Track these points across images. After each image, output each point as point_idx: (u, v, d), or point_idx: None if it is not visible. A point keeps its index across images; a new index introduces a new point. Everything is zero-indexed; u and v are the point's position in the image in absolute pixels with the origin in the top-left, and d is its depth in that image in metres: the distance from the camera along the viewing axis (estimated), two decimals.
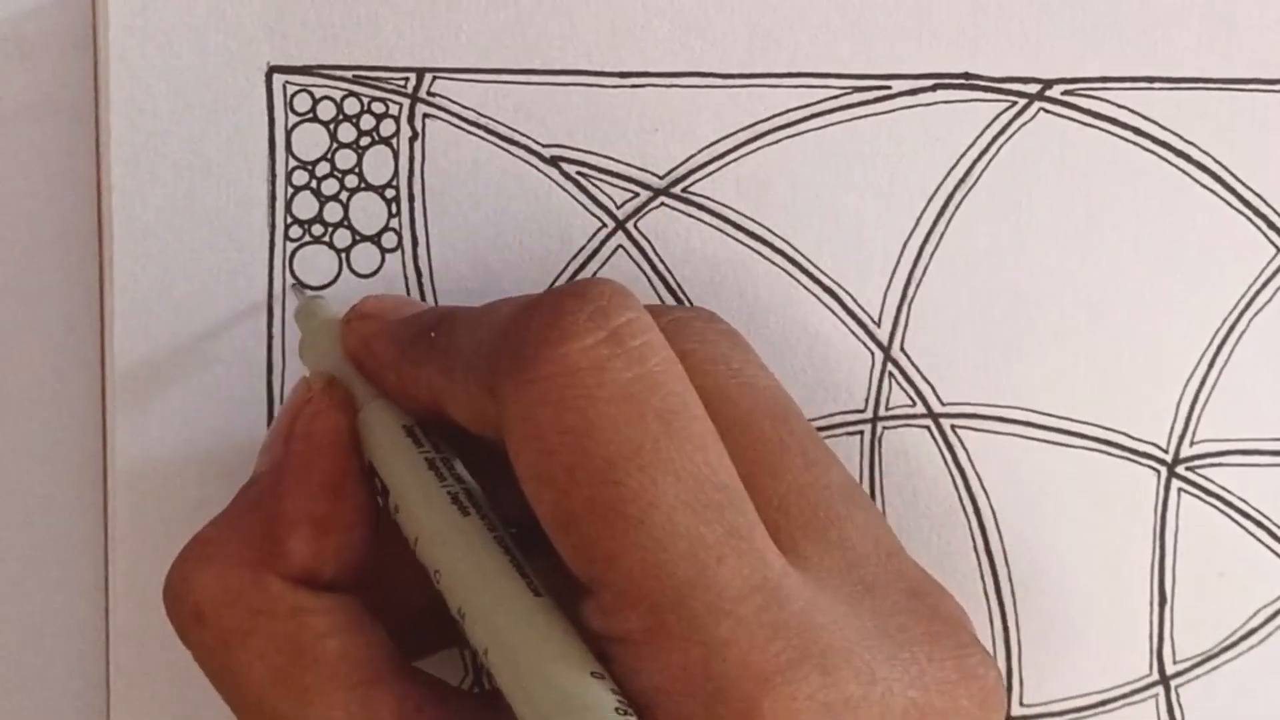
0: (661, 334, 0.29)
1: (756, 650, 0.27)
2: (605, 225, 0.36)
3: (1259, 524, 0.37)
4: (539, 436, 0.27)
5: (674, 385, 0.28)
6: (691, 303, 0.36)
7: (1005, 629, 0.37)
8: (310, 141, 0.35)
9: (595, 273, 0.36)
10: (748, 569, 0.27)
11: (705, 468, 0.28)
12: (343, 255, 0.36)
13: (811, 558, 0.29)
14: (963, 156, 0.36)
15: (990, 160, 0.36)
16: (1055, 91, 0.36)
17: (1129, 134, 0.36)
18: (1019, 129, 0.36)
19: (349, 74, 0.35)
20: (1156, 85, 0.36)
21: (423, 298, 0.36)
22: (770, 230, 0.36)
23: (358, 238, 0.36)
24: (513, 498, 0.29)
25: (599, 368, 0.27)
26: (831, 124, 0.36)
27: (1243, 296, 0.37)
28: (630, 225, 0.36)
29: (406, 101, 0.35)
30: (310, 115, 0.35)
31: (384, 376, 0.31)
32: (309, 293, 0.35)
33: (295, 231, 0.35)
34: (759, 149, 0.36)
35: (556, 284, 0.36)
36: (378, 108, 0.35)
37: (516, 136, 0.35)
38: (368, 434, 0.31)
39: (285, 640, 0.29)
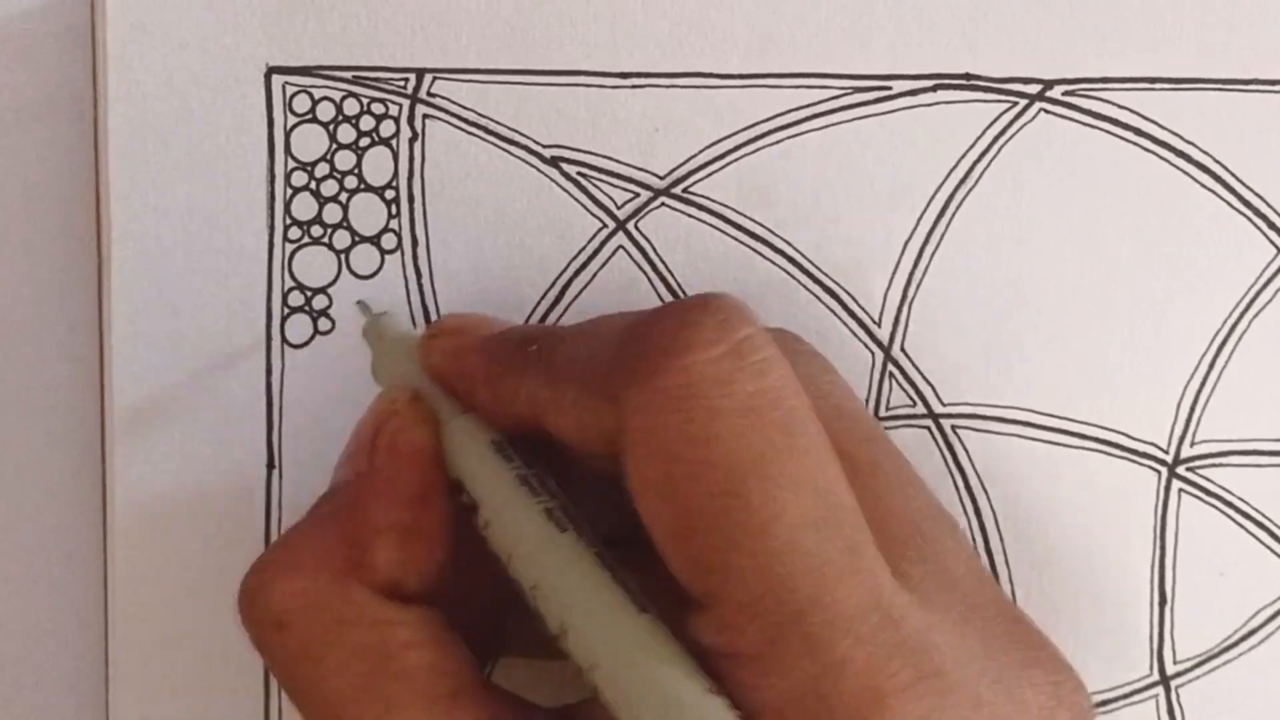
0: (778, 350, 0.28)
1: (875, 670, 0.27)
2: (605, 225, 0.36)
3: (1259, 524, 0.37)
4: (661, 446, 0.27)
5: (794, 400, 0.28)
6: None
7: None
8: (309, 142, 0.35)
9: (596, 273, 0.36)
10: (865, 588, 0.27)
11: (825, 483, 0.28)
12: (342, 256, 0.36)
13: (914, 578, 0.29)
14: (963, 157, 0.36)
15: (991, 161, 0.36)
16: (1056, 92, 0.36)
17: (1129, 134, 0.36)
18: (1019, 129, 0.36)
19: (348, 75, 0.35)
20: (1156, 85, 0.36)
21: (423, 299, 0.36)
22: (770, 230, 0.36)
23: (357, 239, 0.36)
24: (600, 511, 0.29)
25: (725, 380, 0.27)
26: (832, 124, 0.36)
27: (1243, 297, 0.37)
28: (630, 225, 0.36)
29: (406, 102, 0.35)
30: (309, 116, 0.35)
31: (475, 391, 0.31)
32: (378, 310, 0.35)
33: (294, 233, 0.35)
34: (759, 149, 0.36)
35: (557, 282, 0.36)
36: (377, 108, 0.35)
37: (516, 137, 0.35)
38: (455, 449, 0.31)
39: (369, 651, 0.29)
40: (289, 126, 0.35)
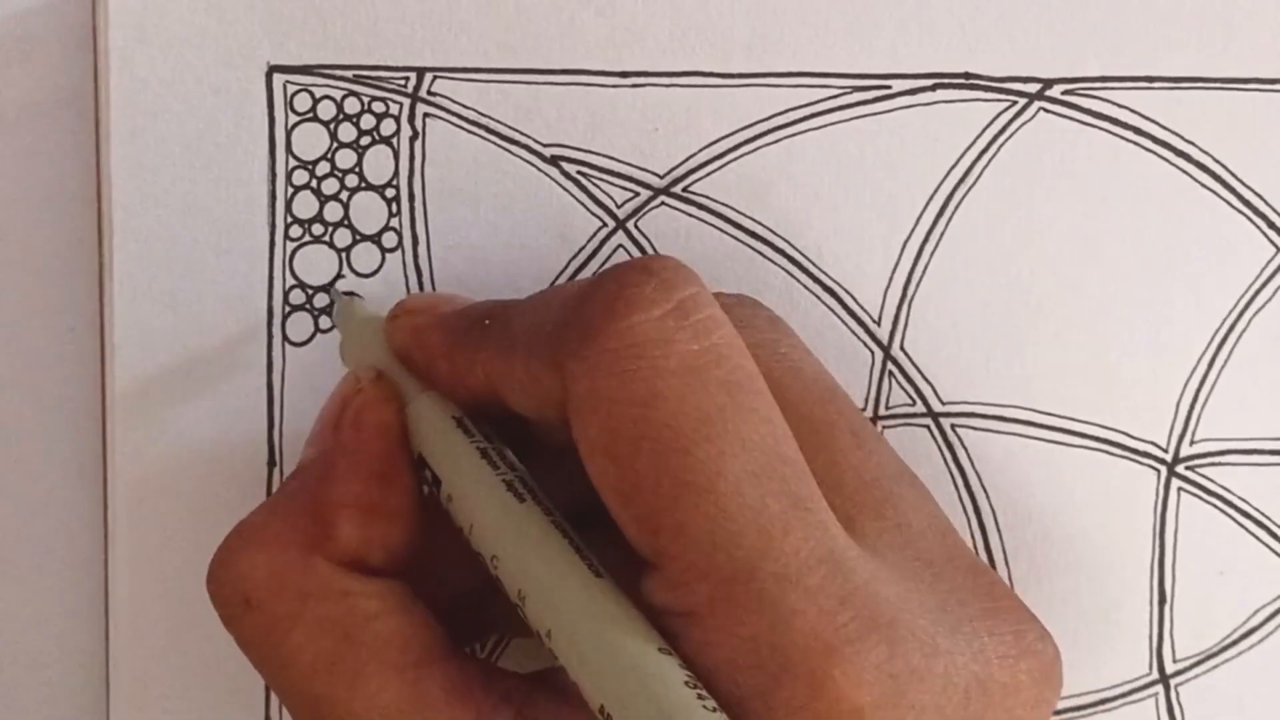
0: (722, 310, 0.29)
1: (825, 621, 0.27)
2: (605, 225, 0.36)
3: (1259, 523, 0.37)
4: (605, 408, 0.27)
5: (738, 358, 0.28)
6: None
7: None
8: (310, 141, 0.35)
9: (595, 272, 0.36)
10: (814, 540, 0.27)
11: (770, 439, 0.28)
12: (343, 255, 0.36)
13: (869, 534, 0.29)
14: (963, 156, 0.36)
15: (990, 160, 0.36)
16: (1055, 91, 0.36)
17: (1129, 134, 0.36)
18: (1019, 129, 0.36)
19: (349, 73, 0.35)
20: (1156, 85, 0.36)
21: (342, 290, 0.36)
22: (770, 230, 0.36)
23: (358, 237, 0.36)
24: (561, 485, 0.30)
25: (665, 339, 0.28)
26: (831, 124, 0.36)
27: (1243, 296, 0.37)
28: (630, 225, 0.36)
29: (407, 101, 0.35)
30: (310, 115, 0.35)
31: (436, 366, 0.31)
32: (347, 293, 0.35)
33: (295, 231, 0.35)
34: (759, 149, 0.36)
35: (558, 281, 0.36)
36: (378, 107, 0.35)
37: (517, 136, 0.35)
38: (418, 425, 0.31)
39: (334, 623, 0.29)
40: (290, 125, 0.35)
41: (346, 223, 0.35)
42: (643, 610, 0.28)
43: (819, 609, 0.27)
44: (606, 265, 0.36)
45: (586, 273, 0.36)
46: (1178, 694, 0.37)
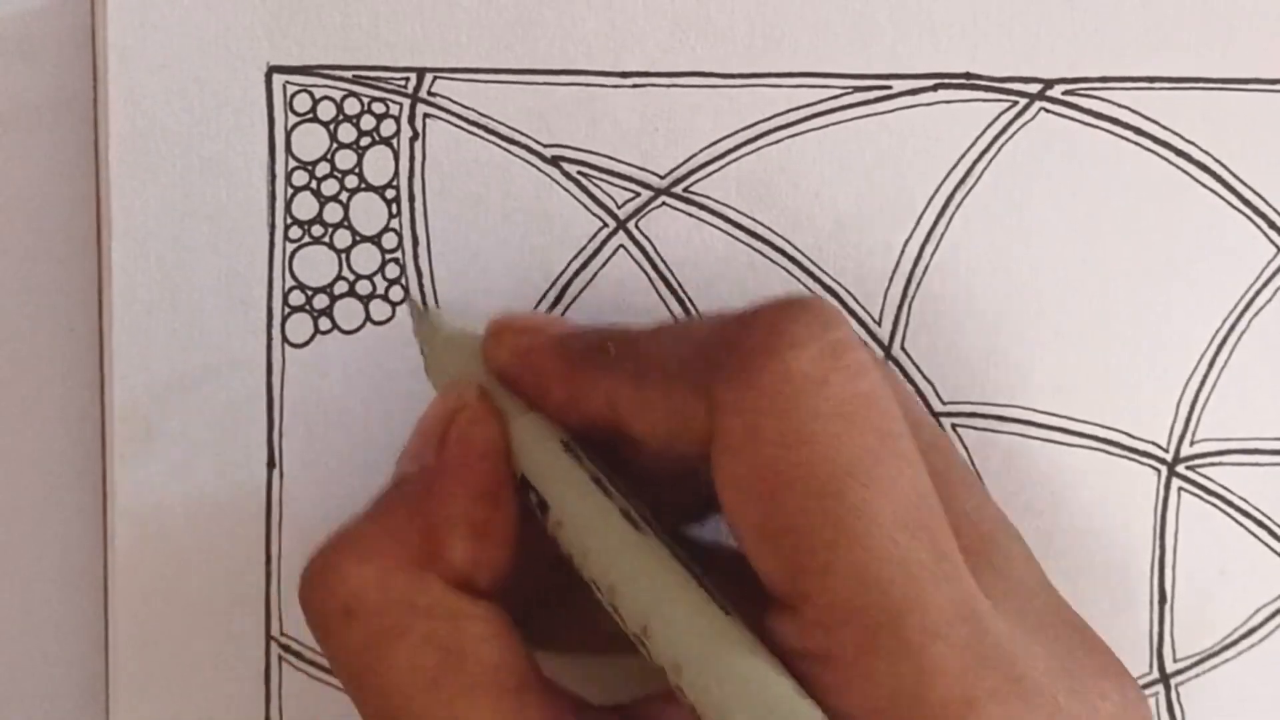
0: (869, 352, 0.28)
1: (966, 675, 0.26)
2: (606, 225, 0.36)
3: (1259, 523, 0.37)
4: (757, 444, 0.27)
5: (887, 404, 0.28)
6: (693, 303, 0.36)
7: None
8: (310, 142, 0.35)
9: (596, 273, 0.36)
10: (959, 594, 0.27)
11: (920, 488, 0.28)
12: (343, 256, 0.36)
13: (987, 587, 0.29)
14: (963, 156, 0.36)
15: (991, 160, 0.36)
16: (1056, 91, 0.36)
17: (1129, 134, 0.36)
18: (1020, 129, 0.36)
19: (349, 74, 0.35)
20: (1156, 85, 0.36)
21: (423, 298, 0.36)
22: (770, 230, 0.36)
23: (358, 238, 0.36)
24: (664, 517, 0.29)
25: (822, 380, 0.27)
26: (832, 124, 0.36)
27: (1243, 296, 0.37)
28: (631, 225, 0.36)
29: (407, 102, 0.35)
30: (310, 115, 0.35)
31: (548, 389, 0.31)
32: (424, 307, 0.35)
33: (295, 232, 0.35)
34: (759, 149, 0.36)
35: (557, 282, 0.36)
36: (378, 108, 0.35)
37: (517, 136, 0.35)
38: (524, 447, 0.31)
39: (441, 642, 0.29)
40: (290, 126, 0.35)
41: (346, 224, 0.35)
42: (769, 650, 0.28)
43: (962, 665, 0.26)
44: (601, 270, 0.36)
45: (587, 273, 0.36)
46: (1178, 693, 0.37)
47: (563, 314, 0.36)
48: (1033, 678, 0.27)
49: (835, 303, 0.36)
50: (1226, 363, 0.37)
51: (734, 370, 0.28)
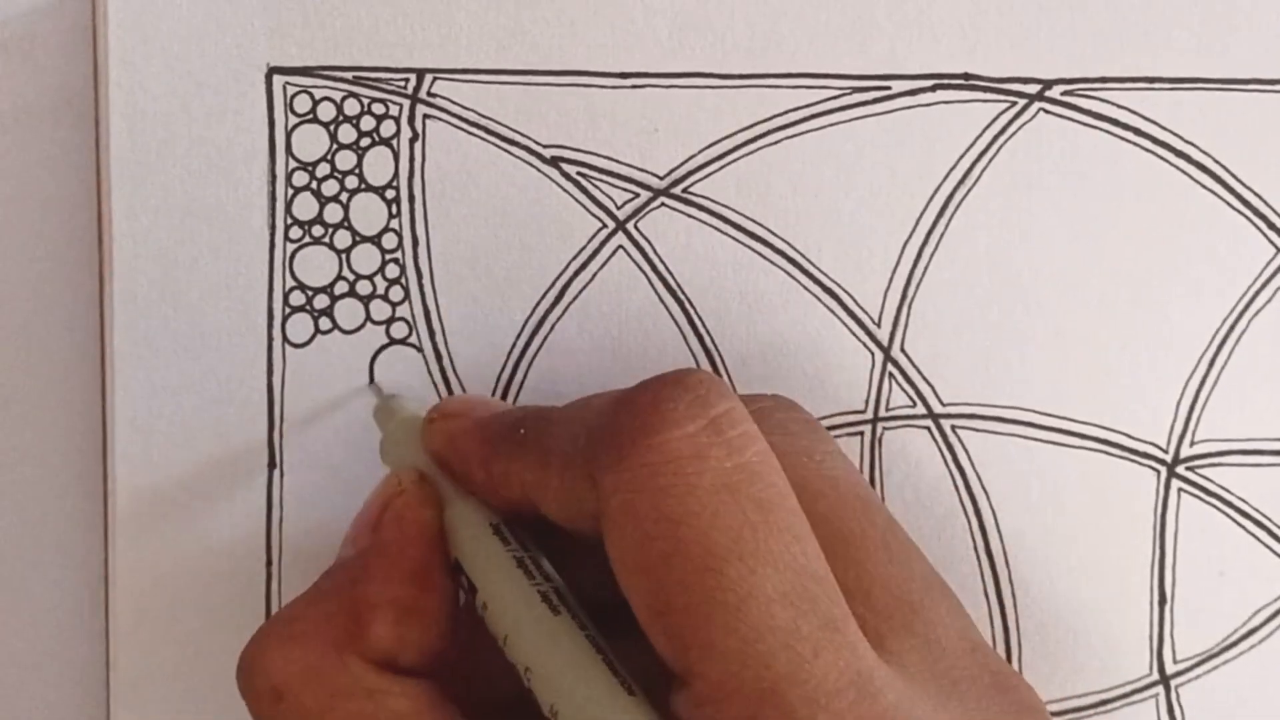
0: (756, 425, 0.28)
1: None
2: (605, 225, 0.36)
3: (1259, 524, 0.37)
4: (637, 524, 0.27)
5: (771, 476, 0.28)
6: (693, 303, 0.36)
7: (1005, 629, 0.37)
8: (310, 142, 0.35)
9: (596, 273, 0.36)
10: (843, 662, 0.27)
11: (802, 558, 0.28)
12: (343, 256, 0.36)
13: (897, 652, 0.29)
14: (963, 157, 0.36)
15: (990, 160, 0.36)
16: (1055, 92, 0.36)
17: (1129, 134, 0.36)
18: (1019, 129, 0.36)
19: (349, 75, 0.35)
20: (1156, 85, 0.36)
21: (423, 299, 0.36)
22: (770, 230, 0.36)
23: (358, 239, 0.36)
24: (597, 585, 0.29)
25: (699, 456, 0.27)
26: (831, 124, 0.36)
27: (1243, 296, 0.37)
28: (630, 225, 0.36)
29: (406, 102, 0.35)
30: (310, 116, 0.35)
31: (471, 472, 0.31)
32: (388, 392, 0.35)
33: (295, 232, 0.35)
34: (759, 149, 0.36)
35: (557, 282, 0.36)
36: (378, 109, 0.35)
37: (516, 137, 0.35)
38: (455, 532, 0.31)
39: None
40: (290, 127, 0.35)
41: (346, 224, 0.35)
42: None
43: None
44: (600, 270, 0.36)
45: (586, 274, 0.36)
46: (1178, 695, 0.37)
47: (562, 314, 0.36)
48: None
49: (829, 304, 0.36)
50: (1226, 363, 0.37)
51: (612, 452, 0.28)
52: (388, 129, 0.35)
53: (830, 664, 0.27)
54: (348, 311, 0.36)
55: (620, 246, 0.36)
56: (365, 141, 0.35)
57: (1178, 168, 0.36)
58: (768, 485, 0.28)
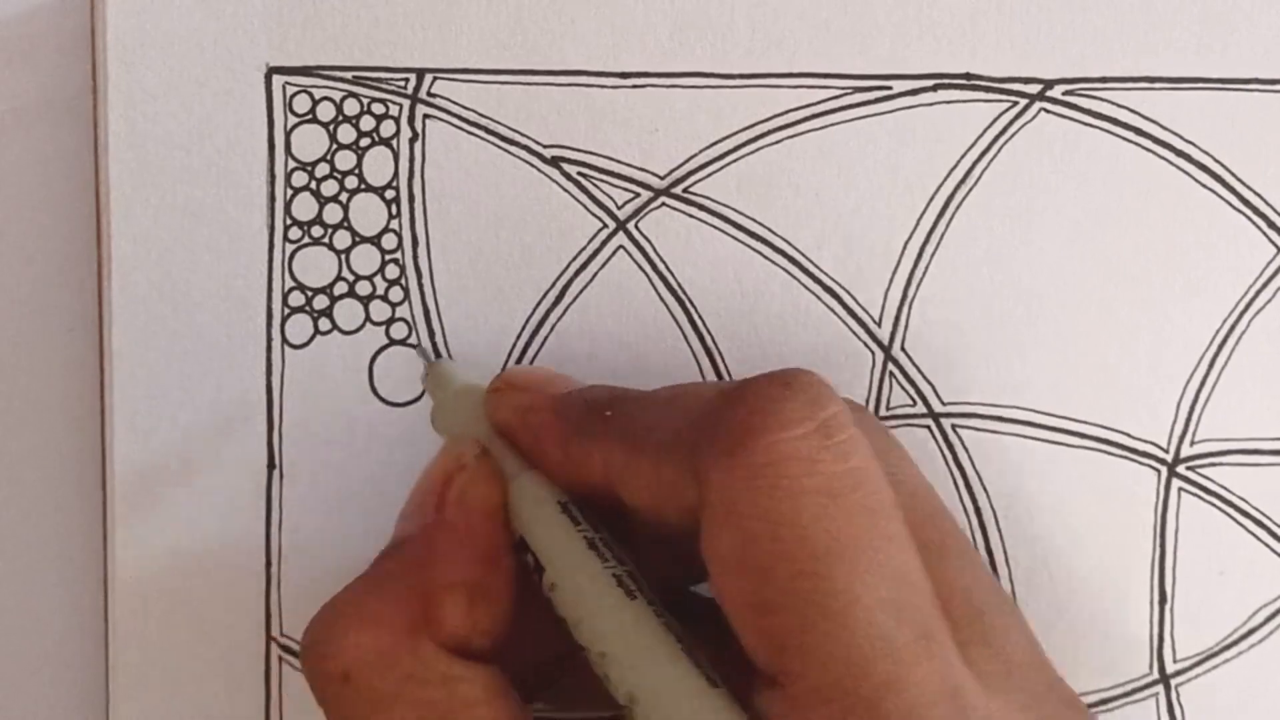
0: (860, 430, 0.28)
1: None
2: (606, 225, 0.36)
3: (1259, 523, 0.37)
4: (743, 523, 0.27)
5: (877, 482, 0.28)
6: (693, 303, 0.36)
7: None
8: (310, 142, 0.35)
9: (596, 273, 0.36)
10: (940, 674, 0.27)
11: (904, 567, 0.28)
12: (342, 256, 0.36)
13: (977, 662, 0.29)
14: (963, 156, 0.36)
15: (991, 160, 0.36)
16: (1056, 92, 0.36)
17: (1129, 134, 0.36)
18: (1020, 129, 0.36)
19: (349, 75, 0.35)
20: (1156, 85, 0.36)
21: (423, 299, 0.36)
22: (770, 230, 0.36)
23: (358, 239, 0.36)
24: (652, 573, 0.29)
25: (810, 459, 0.27)
26: (832, 124, 0.36)
27: (1243, 296, 0.37)
28: (631, 225, 0.36)
29: (406, 102, 0.35)
30: (310, 116, 0.35)
31: (547, 450, 0.31)
32: (438, 357, 0.35)
33: (295, 233, 0.35)
34: (759, 149, 0.36)
35: (557, 282, 0.36)
36: (377, 109, 0.35)
37: (517, 137, 0.35)
38: (522, 507, 0.31)
39: (434, 707, 0.29)
40: (289, 126, 0.35)
41: (346, 224, 0.35)
42: None
43: None
44: (600, 270, 0.36)
45: (586, 274, 0.36)
46: (1178, 694, 0.37)
47: (562, 315, 0.36)
48: None
49: (829, 304, 0.36)
50: (1226, 363, 0.37)
51: (722, 447, 0.28)
52: (387, 129, 0.35)
53: (928, 674, 0.27)
54: (347, 312, 0.36)
55: (620, 246, 0.36)
56: (365, 141, 0.35)
57: (1178, 168, 0.36)
58: (873, 491, 0.28)
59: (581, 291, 0.36)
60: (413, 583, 0.30)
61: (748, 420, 0.28)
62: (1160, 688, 0.37)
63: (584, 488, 0.31)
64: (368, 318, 0.36)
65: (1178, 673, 0.37)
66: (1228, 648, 0.37)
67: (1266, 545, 0.37)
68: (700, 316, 0.36)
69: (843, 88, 0.36)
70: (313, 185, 0.35)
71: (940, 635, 0.28)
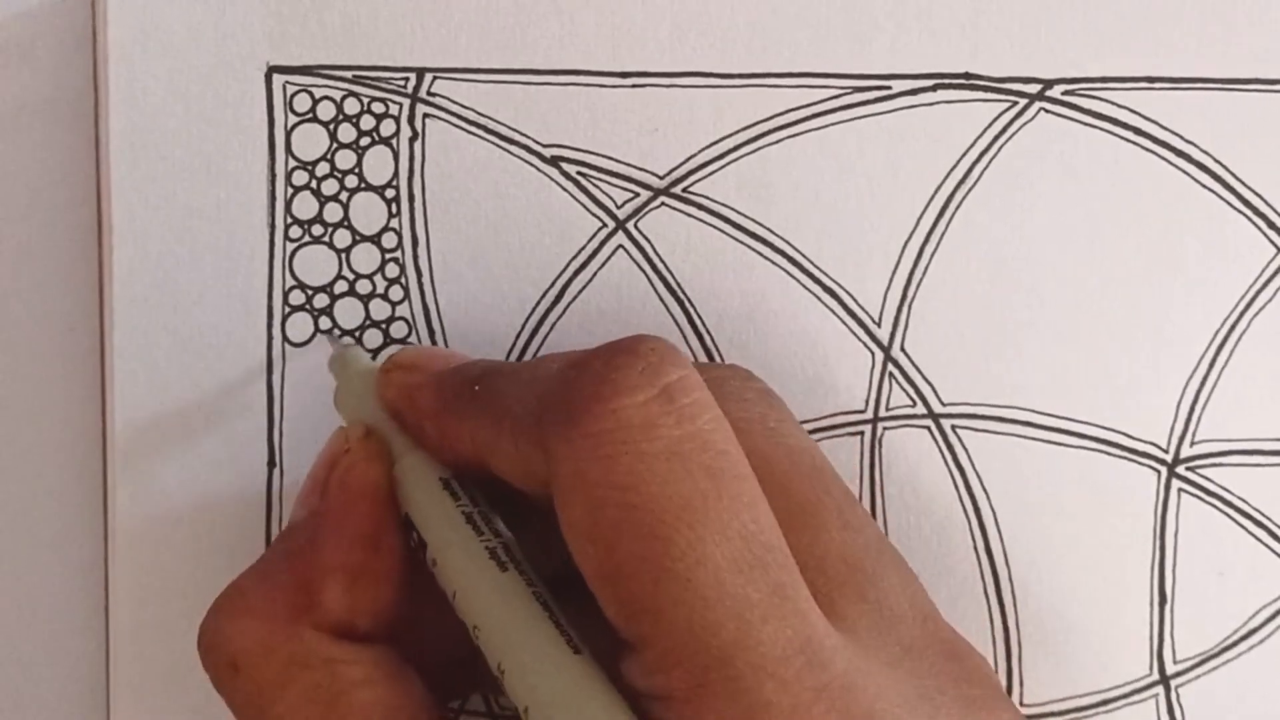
0: (709, 392, 0.28)
1: (799, 713, 0.27)
2: (605, 225, 0.36)
3: (1259, 524, 0.37)
4: (587, 491, 0.27)
5: (723, 443, 0.28)
6: (693, 303, 0.36)
7: (1005, 629, 0.37)
8: (310, 142, 0.35)
9: (596, 273, 0.36)
10: (791, 630, 0.27)
11: (752, 525, 0.28)
12: (342, 255, 0.36)
13: (850, 618, 0.29)
14: (963, 156, 0.36)
15: (991, 160, 0.36)
16: (1056, 91, 0.36)
17: (1129, 134, 0.36)
18: (1019, 129, 0.36)
19: (349, 74, 0.35)
20: (1156, 85, 0.36)
21: (423, 298, 0.36)
22: (770, 230, 0.36)
23: (358, 238, 0.36)
24: (550, 550, 0.29)
25: (650, 424, 0.27)
26: (832, 124, 0.36)
27: (1243, 296, 0.37)
28: (630, 225, 0.36)
29: (406, 101, 0.35)
30: (310, 115, 0.35)
31: (424, 428, 0.31)
32: (344, 341, 0.35)
33: (295, 232, 0.35)
34: (759, 149, 0.36)
35: (557, 282, 0.36)
36: (378, 108, 0.35)
37: (516, 136, 0.35)
38: (405, 486, 0.31)
39: (320, 691, 0.29)
40: (289, 126, 0.35)
41: (346, 223, 0.35)
42: (621, 689, 0.28)
43: (794, 700, 0.27)
44: (600, 270, 0.36)
45: (586, 273, 0.36)
46: (1178, 695, 0.37)
47: (562, 314, 0.36)
48: (881, 711, 0.27)
49: (829, 304, 0.36)
50: (1226, 363, 0.37)
51: (562, 418, 0.28)
52: (387, 128, 0.35)
53: (778, 631, 0.27)
54: (347, 311, 0.36)
55: (620, 246, 0.36)
56: (365, 141, 0.35)
57: (1178, 168, 0.36)
58: (719, 453, 0.28)
59: (581, 291, 0.36)
60: (295, 569, 0.31)
61: (588, 389, 0.28)
62: (1160, 688, 0.37)
63: (462, 464, 0.31)
64: (368, 317, 0.36)
65: (1178, 673, 0.37)
66: (1228, 649, 0.37)
67: (1266, 546, 0.37)
68: (700, 316, 0.36)
69: (842, 88, 0.36)
70: (313, 184, 0.35)
71: (794, 591, 0.28)
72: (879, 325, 0.36)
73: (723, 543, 0.27)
